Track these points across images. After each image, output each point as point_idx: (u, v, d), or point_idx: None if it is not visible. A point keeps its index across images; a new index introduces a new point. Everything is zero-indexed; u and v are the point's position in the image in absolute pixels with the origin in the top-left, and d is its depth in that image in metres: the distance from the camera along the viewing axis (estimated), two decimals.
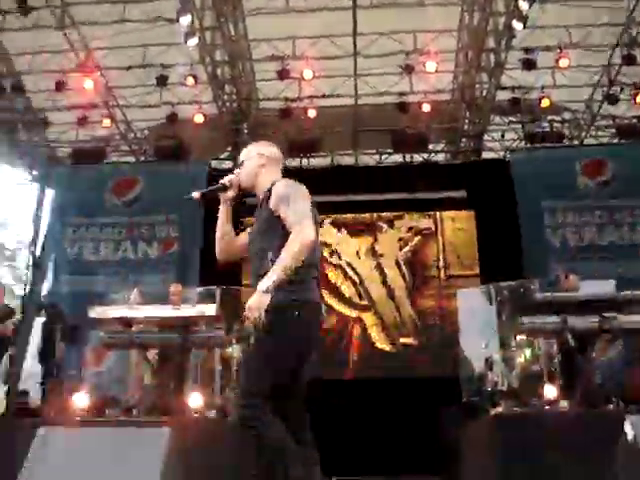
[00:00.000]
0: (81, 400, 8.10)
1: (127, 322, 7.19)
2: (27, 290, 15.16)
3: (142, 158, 14.72)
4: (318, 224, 3.68)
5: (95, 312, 7.15)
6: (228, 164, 14.09)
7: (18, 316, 9.90)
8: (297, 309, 3.43)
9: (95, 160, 13.93)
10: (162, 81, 12.47)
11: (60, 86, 12.53)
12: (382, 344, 13.28)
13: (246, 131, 14.02)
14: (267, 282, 3.29)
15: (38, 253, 15.03)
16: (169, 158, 13.55)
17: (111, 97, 13.48)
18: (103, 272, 13.01)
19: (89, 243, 13.38)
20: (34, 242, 15.36)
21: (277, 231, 3.52)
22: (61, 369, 9.89)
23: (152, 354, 8.26)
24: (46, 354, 10.60)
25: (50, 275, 13.96)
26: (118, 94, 13.49)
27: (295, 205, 3.44)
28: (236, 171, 3.94)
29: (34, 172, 15.59)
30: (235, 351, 9.35)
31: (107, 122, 13.59)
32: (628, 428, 2.68)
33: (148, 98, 13.23)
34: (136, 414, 7.69)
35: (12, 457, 7.21)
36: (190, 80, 12.41)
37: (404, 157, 14.27)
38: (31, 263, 15.51)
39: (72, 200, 13.64)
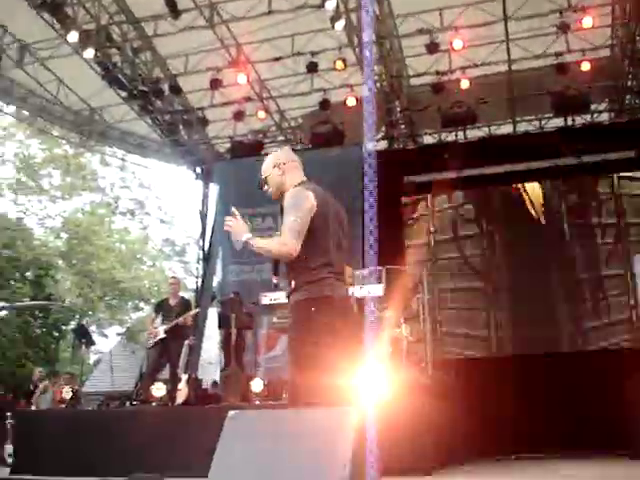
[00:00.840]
0: (257, 385, 8.35)
1: None
2: (199, 283, 15.86)
3: (298, 147, 14.94)
4: (330, 217, 3.97)
5: (266, 299, 7.34)
6: (383, 144, 14.04)
7: (195, 309, 10.33)
8: (313, 305, 3.70)
9: (253, 152, 14.29)
10: (312, 68, 12.57)
11: (215, 84, 12.93)
12: None
13: (399, 109, 13.90)
14: (252, 239, 3.93)
15: (206, 247, 15.69)
16: (324, 144, 13.66)
17: (264, 89, 13.75)
18: (268, 261, 13.32)
19: (254, 233, 13.74)
20: (202, 236, 16.05)
21: None
22: (238, 355, 10.22)
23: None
24: (223, 342, 11.01)
25: (219, 267, 14.52)
26: (270, 86, 13.74)
27: (289, 217, 3.74)
28: (265, 187, 4.17)
29: (197, 169, 16.25)
30: (404, 331, 9.32)
31: (262, 114, 13.90)
32: None
33: (300, 86, 13.39)
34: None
35: (204, 440, 7.54)
36: (339, 64, 12.41)
37: (565, 120, 13.62)
38: (201, 257, 16.19)
39: (234, 193, 14.07)
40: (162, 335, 9.58)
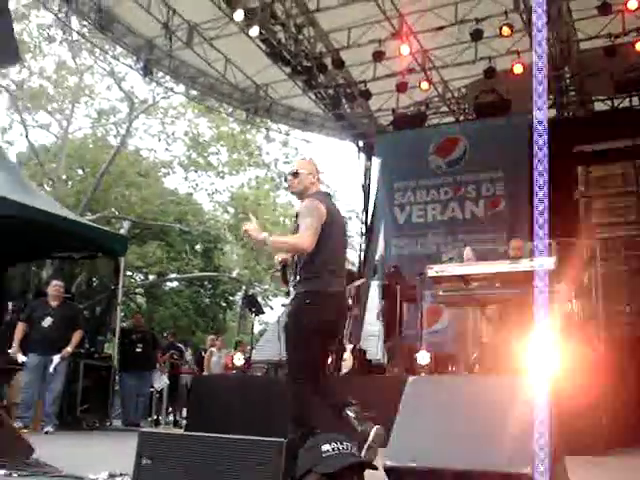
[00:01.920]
0: (423, 358, 8.31)
1: (465, 279, 7.18)
2: (361, 256, 15.99)
3: (462, 117, 14.66)
4: (340, 226, 4.68)
5: (433, 271, 7.23)
6: (551, 112, 13.47)
7: (358, 281, 10.38)
8: (308, 297, 4.43)
9: (416, 124, 14.17)
10: (477, 36, 12.20)
11: (378, 56, 12.86)
12: None
13: (568, 75, 13.28)
14: (270, 237, 4.45)
15: (369, 220, 15.77)
16: (489, 114, 13.32)
17: (427, 60, 13.54)
18: (432, 234, 13.23)
19: (417, 206, 13.70)
20: (365, 210, 16.14)
21: None
22: (401, 328, 10.22)
23: (490, 311, 8.18)
24: (386, 314, 11.04)
25: (381, 239, 14.55)
26: (433, 55, 13.50)
27: (305, 220, 4.38)
28: (289, 177, 4.74)
29: (359, 143, 16.32)
30: (575, 307, 8.97)
31: (425, 85, 13.70)
32: None
33: (463, 55, 13.07)
34: (477, 371, 7.69)
35: (370, 408, 7.62)
36: (506, 30, 11.97)
37: None
38: (363, 230, 16.31)
39: (397, 166, 14.05)
40: None
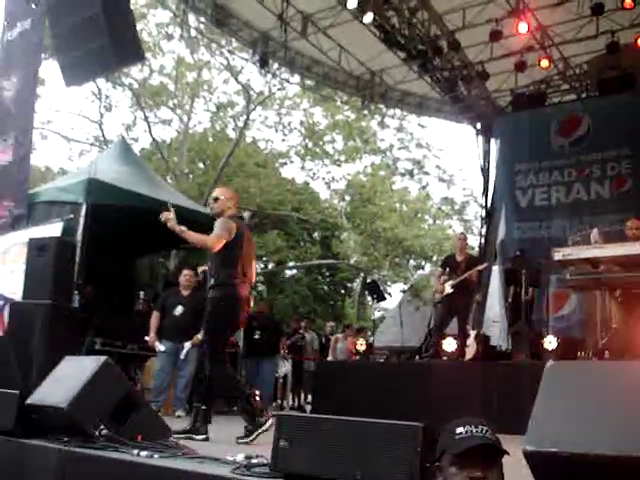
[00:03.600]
0: (550, 343, 8.13)
1: (594, 262, 6.98)
2: (482, 240, 15.76)
3: (584, 94, 14.16)
4: (248, 242, 5.70)
5: (560, 254, 7.07)
6: None
7: (480, 266, 10.23)
8: (222, 300, 5.50)
9: (536, 104, 13.81)
10: (598, 10, 11.73)
11: (495, 35, 12.57)
12: None
13: None
14: (186, 231, 5.47)
15: (489, 203, 15.51)
16: (613, 90, 12.81)
17: (546, 37, 13.14)
18: (556, 216, 12.89)
19: (539, 188, 13.37)
20: (484, 193, 15.89)
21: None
22: (527, 312, 10.03)
23: (620, 294, 7.91)
24: (510, 299, 10.87)
25: (502, 223, 14.29)
26: (552, 32, 13.08)
27: (217, 230, 5.51)
28: (210, 201, 5.89)
29: (477, 125, 16.05)
30: None
31: (545, 63, 13.30)
32: None
33: (584, 30, 12.60)
34: (607, 357, 7.46)
35: (499, 394, 7.53)
36: (629, 2, 11.47)
37: None
38: (483, 214, 16.06)
39: (517, 147, 13.75)
40: (449, 290, 9.61)
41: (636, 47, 12.13)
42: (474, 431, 2.25)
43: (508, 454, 2.29)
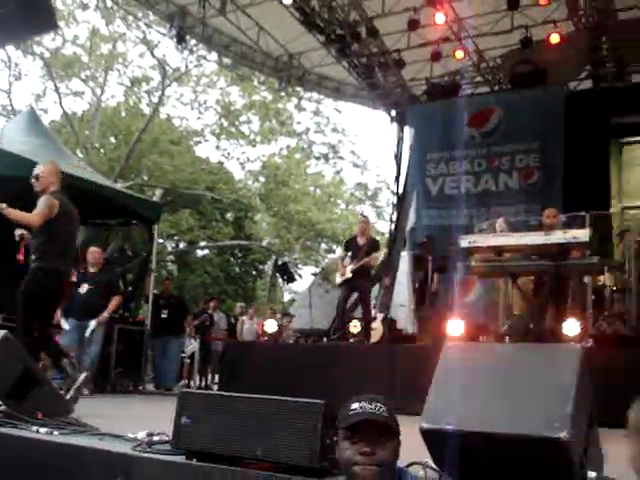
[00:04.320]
0: (455, 327, 8.33)
1: (498, 250, 7.20)
2: (392, 227, 15.98)
3: (497, 87, 14.48)
4: (71, 217, 5.95)
5: (466, 241, 7.25)
6: (587, 84, 13.28)
7: (384, 250, 10.37)
8: (41, 272, 5.72)
9: (450, 94, 14.04)
10: (513, 4, 12.01)
11: (412, 24, 12.71)
12: None
13: (605, 46, 13.03)
14: (7, 208, 5.55)
15: (401, 191, 15.73)
16: (525, 84, 13.15)
17: (462, 28, 13.36)
18: (465, 205, 13.16)
19: (450, 177, 13.63)
20: (396, 180, 16.10)
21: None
22: (432, 298, 10.24)
23: (522, 282, 8.17)
24: (417, 284, 11.08)
25: (412, 210, 14.53)
26: (469, 24, 13.31)
27: (39, 207, 5.69)
28: (33, 179, 5.94)
29: (392, 112, 16.22)
30: (608, 279, 8.93)
31: (460, 54, 13.53)
32: None
33: (500, 24, 12.87)
34: (508, 342, 7.69)
35: (400, 376, 7.65)
36: None
37: None
38: (394, 200, 16.28)
39: (430, 136, 13.94)
40: (349, 275, 9.66)
41: (548, 43, 12.47)
42: (367, 407, 2.26)
43: (398, 432, 2.30)
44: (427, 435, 2.35)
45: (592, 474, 2.45)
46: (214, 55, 16.53)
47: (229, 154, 30.58)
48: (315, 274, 30.67)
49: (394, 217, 15.99)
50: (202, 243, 30.37)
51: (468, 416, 2.28)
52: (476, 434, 2.22)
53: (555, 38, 12.37)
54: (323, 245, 32.42)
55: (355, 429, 2.24)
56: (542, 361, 2.34)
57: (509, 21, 12.70)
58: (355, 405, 2.28)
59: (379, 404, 2.27)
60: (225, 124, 29.03)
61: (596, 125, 12.37)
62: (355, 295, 10.14)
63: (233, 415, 2.92)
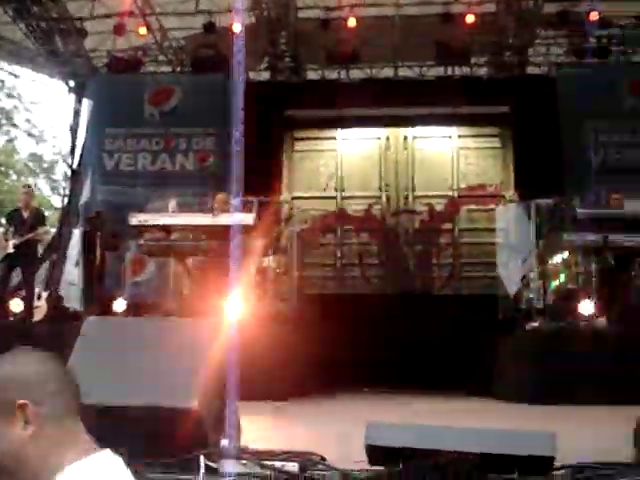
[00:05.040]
0: (120, 305, 8.27)
1: (166, 229, 7.26)
2: (65, 201, 15.33)
3: (179, 69, 14.51)
4: None
5: (135, 219, 7.22)
6: (266, 75, 13.88)
7: (54, 225, 9.96)
8: None
9: (132, 70, 13.79)
10: None
11: None
12: None
13: (284, 41, 13.70)
14: None
15: (75, 164, 15.12)
16: (207, 68, 13.33)
17: (147, 5, 13.17)
18: (141, 183, 13.05)
19: (127, 154, 13.40)
20: (71, 153, 15.43)
21: None
22: (101, 275, 10.04)
23: (191, 263, 8.34)
24: (86, 261, 10.77)
25: (87, 186, 14.05)
26: (154, 2, 13.18)
27: None
28: None
29: (71, 83, 15.51)
30: (272, 262, 9.43)
31: (143, 30, 13.31)
32: None
33: (185, 5, 12.92)
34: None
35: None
36: None
37: (446, 70, 13.90)
38: (69, 174, 15.62)
39: (109, 111, 13.59)
40: (11, 250, 9.12)
41: (231, 31, 12.72)
42: None
43: None
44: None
45: (225, 441, 2.58)
46: None
47: None
48: None
49: (67, 191, 15.33)
50: None
51: (104, 389, 2.27)
52: (109, 408, 2.22)
53: (237, 27, 12.58)
54: None
55: None
56: (180, 335, 2.40)
57: (194, 4, 12.81)
58: None
59: None
60: None
61: (272, 116, 12.98)
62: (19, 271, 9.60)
63: None
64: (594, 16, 12.40)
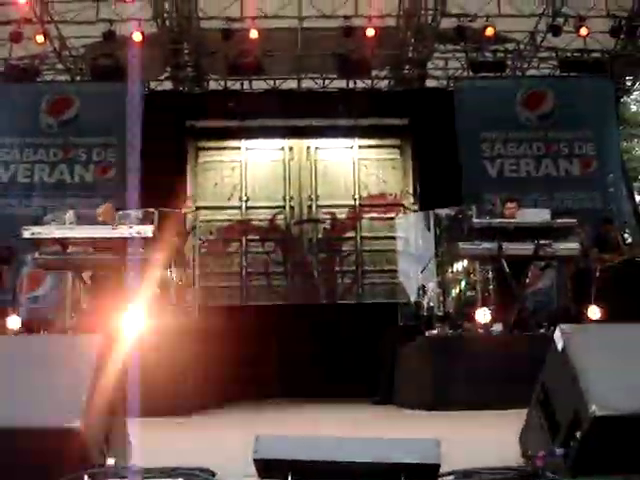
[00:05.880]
0: (13, 322, 8.01)
1: (62, 243, 7.08)
2: None
3: (78, 77, 14.19)
4: None
5: (29, 232, 7.01)
6: (168, 85, 13.76)
7: None
8: None
9: (29, 78, 13.39)
10: None
11: None
12: None
13: (186, 51, 13.62)
14: None
15: None
16: (106, 78, 13.09)
17: (46, 12, 12.83)
18: (38, 195, 12.68)
19: (23, 165, 12.97)
20: None
21: None
22: None
23: (88, 276, 8.17)
24: None
25: None
26: (53, 9, 12.85)
27: None
28: None
29: None
30: (174, 274, 9.33)
31: (40, 38, 12.93)
32: (557, 335, 2.75)
33: (85, 14, 12.65)
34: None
35: None
36: None
37: (347, 83, 14.14)
38: None
39: (4, 120, 13.13)
40: None
41: (132, 40, 12.55)
42: None
43: None
44: None
45: (111, 460, 2.54)
46: None
47: None
48: None
49: None
50: None
51: None
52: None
53: (137, 36, 12.50)
54: None
55: None
56: (62, 352, 2.36)
57: (94, 12, 12.57)
58: None
59: None
60: None
61: (174, 126, 12.89)
62: None
63: None
64: (490, 31, 12.85)
